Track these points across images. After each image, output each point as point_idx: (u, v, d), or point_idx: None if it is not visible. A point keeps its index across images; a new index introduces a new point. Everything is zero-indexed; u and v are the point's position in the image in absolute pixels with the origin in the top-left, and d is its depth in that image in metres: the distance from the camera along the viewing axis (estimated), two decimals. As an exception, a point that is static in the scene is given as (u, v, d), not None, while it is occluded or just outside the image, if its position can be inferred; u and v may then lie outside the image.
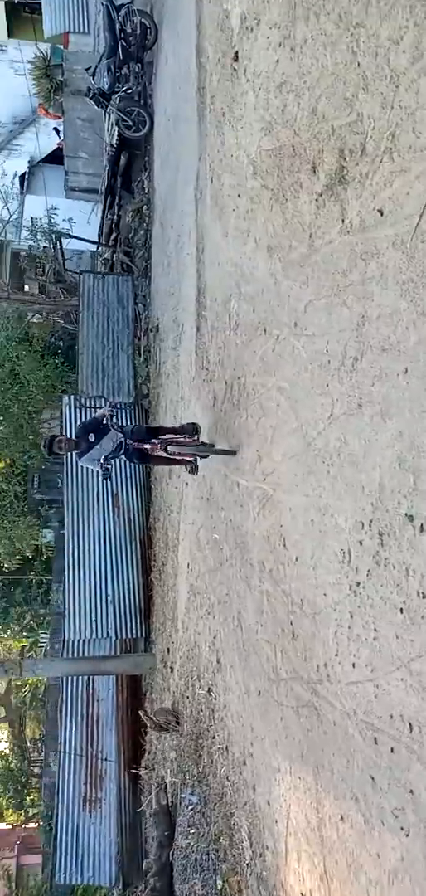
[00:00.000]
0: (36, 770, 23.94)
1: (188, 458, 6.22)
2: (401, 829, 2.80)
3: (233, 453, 5.52)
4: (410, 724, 2.76)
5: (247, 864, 4.89)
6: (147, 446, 5.84)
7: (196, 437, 6.20)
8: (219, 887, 5.40)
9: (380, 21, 3.21)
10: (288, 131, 4.38)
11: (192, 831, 6.03)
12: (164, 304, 10.23)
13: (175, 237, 9.44)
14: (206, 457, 6.11)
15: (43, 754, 21.50)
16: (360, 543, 3.23)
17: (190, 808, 6.18)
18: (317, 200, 3.97)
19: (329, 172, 3.77)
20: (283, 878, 4.21)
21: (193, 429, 6.32)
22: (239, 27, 5.72)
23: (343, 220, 3.61)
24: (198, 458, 6.22)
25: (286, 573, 4.32)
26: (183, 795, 6.42)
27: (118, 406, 7.23)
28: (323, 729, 3.66)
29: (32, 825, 23.03)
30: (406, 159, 2.98)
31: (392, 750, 2.90)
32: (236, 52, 5.77)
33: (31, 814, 23.08)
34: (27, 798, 23.12)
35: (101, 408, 6.05)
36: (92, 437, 5.85)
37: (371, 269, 3.28)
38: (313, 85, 3.99)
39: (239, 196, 5.70)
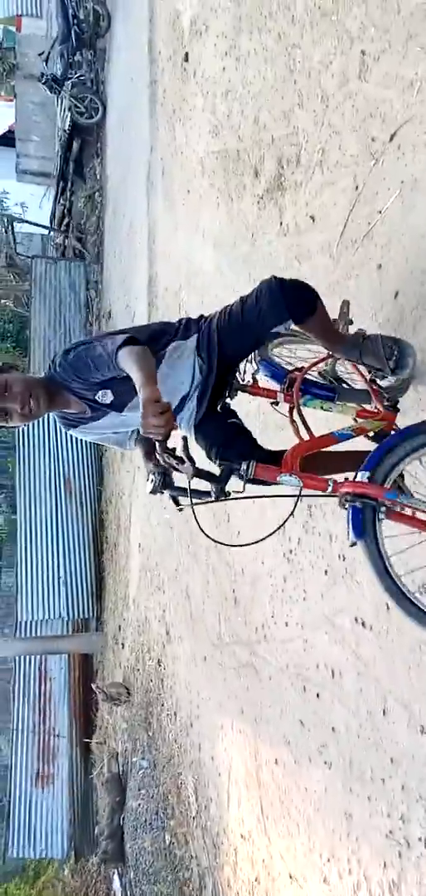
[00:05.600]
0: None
1: None
2: (325, 763, 3.21)
3: None
4: (333, 672, 3.16)
5: (193, 818, 5.27)
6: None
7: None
8: (167, 842, 5.77)
9: (313, 45, 3.55)
10: (233, 136, 4.70)
11: (142, 793, 6.38)
12: (117, 291, 10.43)
13: (127, 225, 9.64)
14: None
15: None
16: (292, 515, 3.60)
17: (140, 772, 6.53)
18: (258, 203, 4.30)
19: (269, 178, 4.11)
20: (225, 825, 4.60)
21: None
22: (189, 30, 5.99)
23: (281, 223, 3.96)
24: None
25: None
26: (134, 760, 6.76)
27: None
28: (260, 685, 4.04)
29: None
30: (333, 173, 3.34)
31: (318, 695, 3.30)
32: (186, 54, 6.04)
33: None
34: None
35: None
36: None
37: (304, 269, 3.63)
38: (256, 95, 4.32)
39: (188, 192, 5.99)
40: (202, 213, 5.53)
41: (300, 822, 3.49)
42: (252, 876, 4.10)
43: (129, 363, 1.99)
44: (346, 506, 2.00)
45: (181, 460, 1.95)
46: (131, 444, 2.52)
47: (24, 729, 10.88)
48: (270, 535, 2.12)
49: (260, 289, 2.18)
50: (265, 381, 2.52)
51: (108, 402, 2.26)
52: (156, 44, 7.83)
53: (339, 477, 2.09)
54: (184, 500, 2.07)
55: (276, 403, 2.49)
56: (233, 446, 2.29)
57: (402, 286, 2.76)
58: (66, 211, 13.12)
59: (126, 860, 7.03)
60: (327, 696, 3.21)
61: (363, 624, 2.89)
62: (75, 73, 11.52)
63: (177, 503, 2.14)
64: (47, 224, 14.10)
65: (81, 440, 2.37)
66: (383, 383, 2.47)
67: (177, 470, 1.99)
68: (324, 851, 3.19)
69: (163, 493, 2.08)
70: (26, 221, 14.17)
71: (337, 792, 3.10)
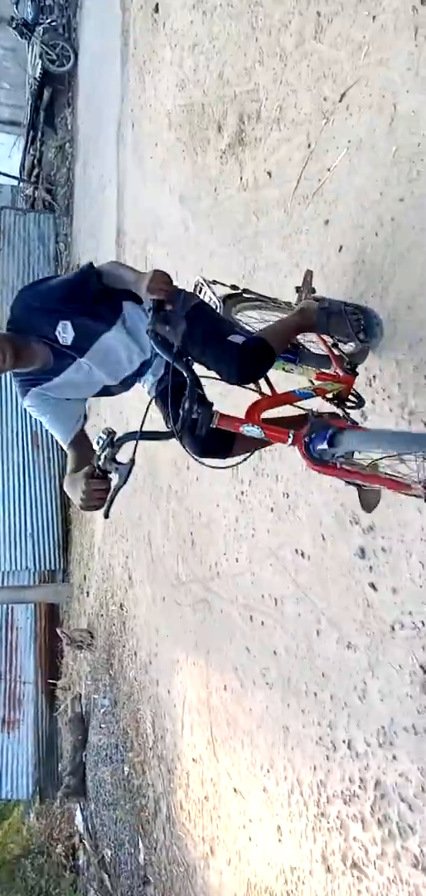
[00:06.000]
0: None
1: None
2: (267, 684, 3.48)
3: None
4: (275, 600, 3.41)
5: (150, 748, 5.56)
6: None
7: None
8: (126, 773, 6.08)
9: (274, 3, 3.66)
10: (198, 91, 4.78)
11: (103, 729, 6.66)
12: (86, 243, 10.40)
13: (97, 178, 9.60)
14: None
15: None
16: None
17: (102, 710, 6.80)
18: (221, 158, 4.42)
19: (231, 133, 4.23)
20: (179, 752, 4.90)
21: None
22: (159, -20, 5.98)
23: (241, 178, 4.09)
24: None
25: (188, 491, 4.90)
26: (95, 697, 7.03)
27: None
28: (213, 618, 4.30)
29: None
30: (289, 130, 3.48)
31: (262, 623, 3.55)
32: (157, 4, 6.04)
33: None
34: None
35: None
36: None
37: (261, 224, 3.79)
38: (220, 50, 4.40)
39: (156, 145, 6.05)
40: (169, 167, 5.61)
41: (244, 739, 3.77)
42: (202, 795, 4.41)
43: (115, 269, 2.22)
44: (311, 435, 2.01)
45: (173, 329, 2.04)
46: (72, 436, 2.37)
47: (-10, 676, 11.11)
48: (241, 462, 2.44)
49: (232, 342, 2.10)
50: None
51: (70, 341, 2.19)
52: (127, -8, 7.76)
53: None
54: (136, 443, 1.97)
55: None
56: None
57: (346, 241, 2.94)
58: (36, 161, 12.94)
59: (87, 794, 7.34)
60: (270, 623, 3.47)
61: (302, 554, 3.13)
62: (46, 19, 11.28)
63: (109, 472, 1.96)
64: (17, 174, 13.88)
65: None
66: (345, 349, 2.60)
67: (162, 342, 2.04)
68: (264, 764, 3.48)
69: (108, 450, 1.93)
70: (-5, 171, 13.91)
71: (276, 708, 3.38)
